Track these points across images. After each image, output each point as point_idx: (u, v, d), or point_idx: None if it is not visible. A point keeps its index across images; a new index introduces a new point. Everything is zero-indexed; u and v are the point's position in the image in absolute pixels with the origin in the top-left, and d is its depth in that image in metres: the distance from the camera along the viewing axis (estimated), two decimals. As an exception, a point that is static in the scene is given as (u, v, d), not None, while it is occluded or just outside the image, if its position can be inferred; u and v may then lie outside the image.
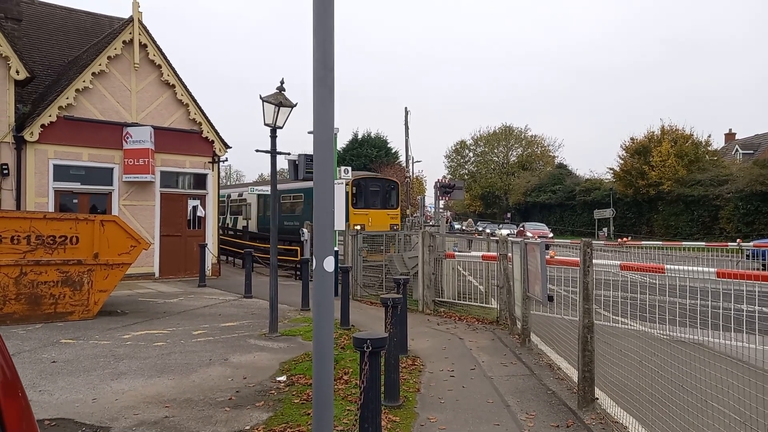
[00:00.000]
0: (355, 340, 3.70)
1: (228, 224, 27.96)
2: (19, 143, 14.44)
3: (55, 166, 14.95)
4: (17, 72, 14.17)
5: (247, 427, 4.88)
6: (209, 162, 17.61)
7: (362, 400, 3.57)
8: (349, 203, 20.57)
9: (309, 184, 24.64)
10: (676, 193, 36.35)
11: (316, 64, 2.55)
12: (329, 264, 2.59)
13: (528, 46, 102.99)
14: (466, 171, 67.89)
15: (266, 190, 21.71)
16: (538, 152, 64.92)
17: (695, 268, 5.78)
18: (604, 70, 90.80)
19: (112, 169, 15.81)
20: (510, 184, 59.63)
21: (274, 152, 9.04)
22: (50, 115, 14.64)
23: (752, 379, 3.39)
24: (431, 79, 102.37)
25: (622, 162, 41.99)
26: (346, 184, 18.94)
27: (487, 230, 35.70)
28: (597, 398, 5.23)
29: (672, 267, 6.53)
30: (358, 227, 18.34)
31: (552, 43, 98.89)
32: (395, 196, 23.98)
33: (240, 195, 28.31)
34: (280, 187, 23.66)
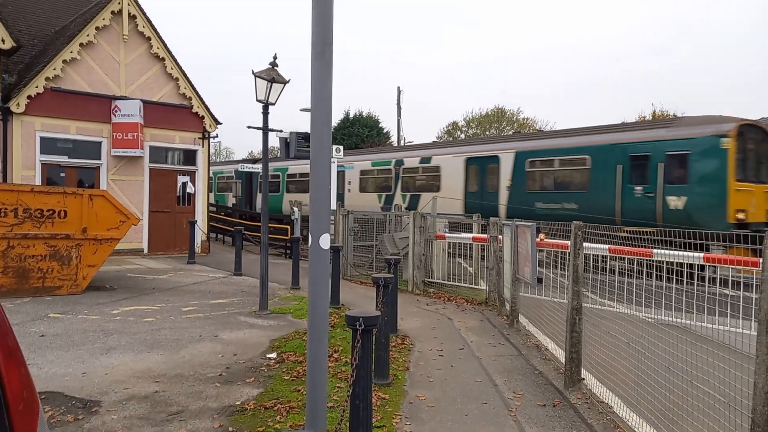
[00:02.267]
0: (348, 318, 3.71)
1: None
2: (5, 114, 14.17)
3: (42, 138, 14.73)
4: (3, 41, 13.83)
5: (238, 403, 4.91)
6: (199, 138, 17.42)
7: (354, 377, 3.59)
8: (728, 172, 12.25)
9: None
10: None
11: (315, 37, 2.51)
12: (325, 241, 2.58)
13: (522, 33, 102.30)
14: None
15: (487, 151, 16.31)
16: (530, 135, 64.79)
17: (683, 253, 5.86)
18: (597, 54, 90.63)
19: (100, 143, 15.60)
20: (501, 166, 59.50)
21: (266, 129, 8.96)
22: (37, 86, 14.37)
23: (737, 361, 3.46)
24: (424, 60, 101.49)
25: (613, 147, 42.22)
26: (722, 137, 12.16)
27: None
28: (583, 378, 5.32)
29: (660, 251, 6.62)
30: (742, 215, 11.57)
31: (547, 32, 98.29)
32: None
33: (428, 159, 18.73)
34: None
